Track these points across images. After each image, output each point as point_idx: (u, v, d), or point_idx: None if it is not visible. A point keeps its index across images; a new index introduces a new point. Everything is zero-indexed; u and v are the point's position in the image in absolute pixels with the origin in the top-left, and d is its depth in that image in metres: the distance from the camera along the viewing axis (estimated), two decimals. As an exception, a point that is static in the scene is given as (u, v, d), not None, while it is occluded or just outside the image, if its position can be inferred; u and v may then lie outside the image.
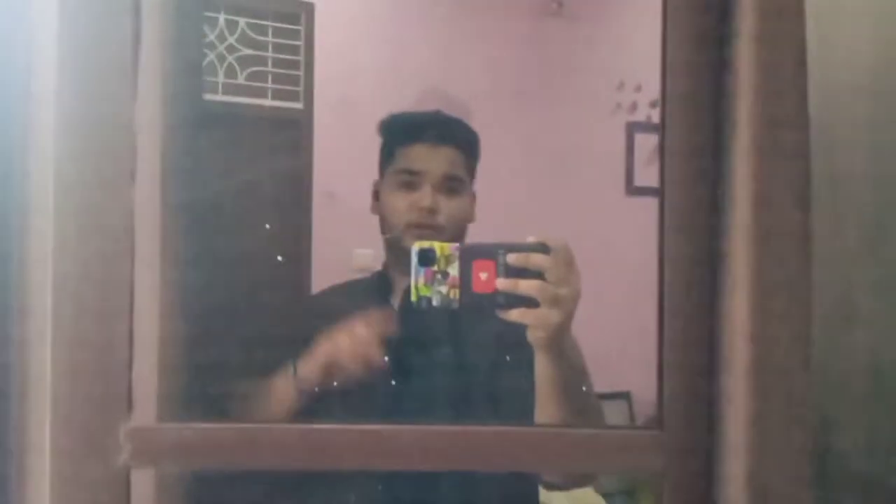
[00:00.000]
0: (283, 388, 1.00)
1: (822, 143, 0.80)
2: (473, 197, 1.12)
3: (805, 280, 0.70)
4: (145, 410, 0.60)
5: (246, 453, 0.64)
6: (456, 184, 1.07)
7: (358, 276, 1.25)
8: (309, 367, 0.99)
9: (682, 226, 0.71)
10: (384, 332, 0.98)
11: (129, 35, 0.60)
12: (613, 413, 2.63)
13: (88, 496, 0.61)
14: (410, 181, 1.06)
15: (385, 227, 1.09)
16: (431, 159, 1.06)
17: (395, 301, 1.09)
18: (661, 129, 0.78)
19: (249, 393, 1.03)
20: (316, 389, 0.99)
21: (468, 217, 1.09)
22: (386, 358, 0.98)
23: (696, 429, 0.68)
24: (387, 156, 1.10)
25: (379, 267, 1.16)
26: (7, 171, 0.62)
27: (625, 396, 2.73)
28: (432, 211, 1.05)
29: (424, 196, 1.04)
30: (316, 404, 1.00)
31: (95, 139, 0.59)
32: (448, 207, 1.04)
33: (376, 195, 1.11)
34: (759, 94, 0.71)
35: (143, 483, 0.63)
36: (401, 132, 1.10)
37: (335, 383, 0.98)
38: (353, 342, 0.97)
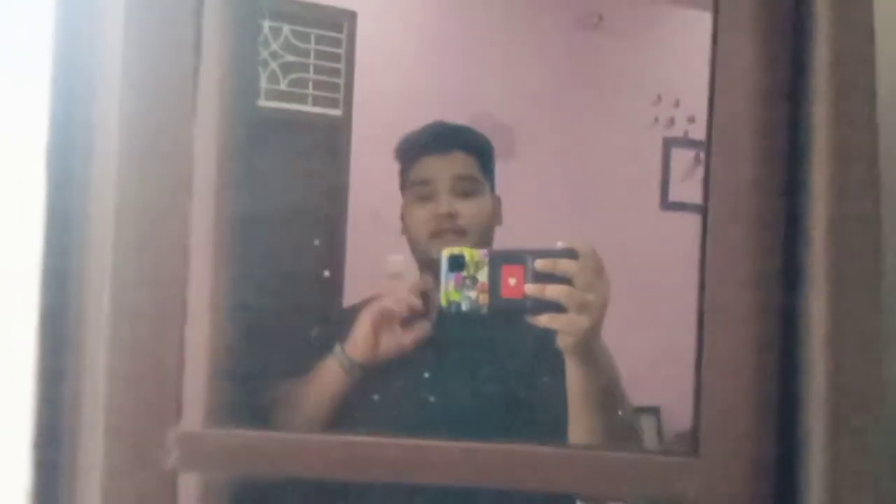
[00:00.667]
0: (331, 373, 1.02)
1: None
2: (497, 200, 1.13)
3: (877, 305, 0.68)
4: (193, 416, 0.62)
5: (290, 462, 0.66)
6: (470, 184, 1.08)
7: (390, 282, 1.27)
8: (355, 340, 1.00)
9: (724, 245, 0.71)
10: (424, 289, 1.00)
11: (190, 58, 0.62)
12: (643, 428, 2.61)
13: (136, 499, 0.63)
14: (425, 192, 1.07)
15: (412, 244, 1.10)
16: (439, 166, 1.08)
17: (431, 316, 1.10)
18: (706, 146, 0.78)
19: (294, 390, 1.04)
20: (361, 372, 1.00)
21: (491, 219, 1.09)
22: (429, 318, 0.99)
23: (732, 455, 0.68)
24: (404, 176, 1.12)
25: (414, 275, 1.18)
26: (68, 180, 0.65)
27: (654, 411, 2.71)
28: (451, 215, 1.06)
29: (440, 202, 1.06)
30: (358, 412, 1.01)
31: (155, 155, 0.61)
32: (466, 209, 1.05)
33: (402, 216, 1.13)
34: (829, 95, 0.70)
35: (189, 488, 0.64)
36: (409, 151, 1.12)
37: (383, 353, 1.00)
38: (394, 298, 0.99)
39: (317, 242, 1.71)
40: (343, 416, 1.02)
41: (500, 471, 0.66)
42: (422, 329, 1.00)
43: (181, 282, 0.60)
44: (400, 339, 1.00)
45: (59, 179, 0.62)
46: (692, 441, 0.68)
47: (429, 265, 1.00)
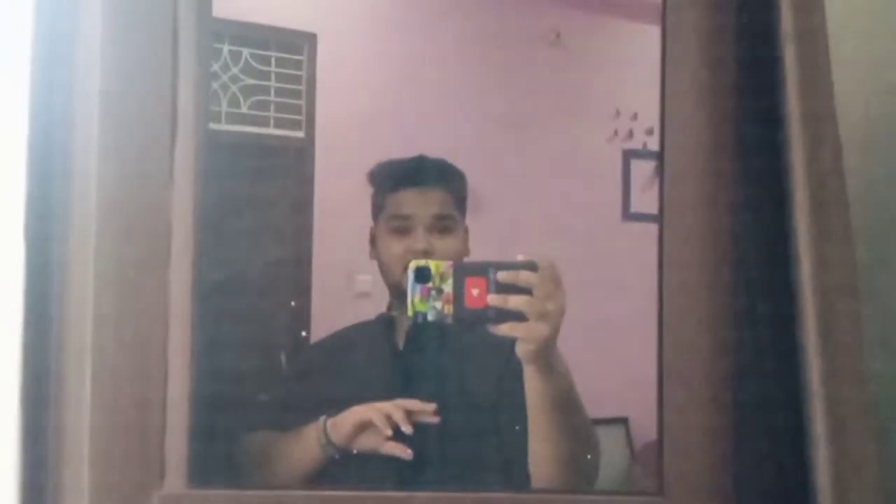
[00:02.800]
0: (308, 442, 1.03)
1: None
2: (466, 231, 1.16)
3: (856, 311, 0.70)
4: (176, 475, 0.62)
5: None
6: (447, 223, 1.12)
7: (358, 301, 1.28)
8: (340, 425, 1.02)
9: (679, 256, 0.73)
10: (415, 417, 1.02)
11: (167, 122, 0.62)
12: (611, 439, 2.63)
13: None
14: (402, 226, 1.11)
15: (384, 271, 1.13)
16: (420, 203, 1.11)
17: (400, 342, 1.12)
18: (660, 154, 0.81)
19: (272, 450, 1.05)
20: (338, 456, 1.02)
21: (462, 252, 1.13)
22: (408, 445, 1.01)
23: (699, 493, 0.69)
24: (378, 204, 1.15)
25: (381, 304, 1.19)
26: (46, 237, 0.64)
27: (622, 422, 2.73)
28: (427, 253, 1.09)
29: (417, 239, 1.10)
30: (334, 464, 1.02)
31: (134, 220, 0.62)
32: (442, 246, 1.09)
33: (373, 241, 1.16)
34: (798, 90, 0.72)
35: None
36: (388, 180, 1.15)
37: (359, 447, 1.01)
38: (388, 414, 1.00)
39: (293, 303, 1.72)
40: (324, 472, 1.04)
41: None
42: (403, 451, 1.03)
43: (162, 341, 0.60)
44: (379, 445, 1.02)
45: (38, 244, 0.62)
46: (657, 481, 0.69)
47: (399, 294, 1.03)
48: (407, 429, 1.03)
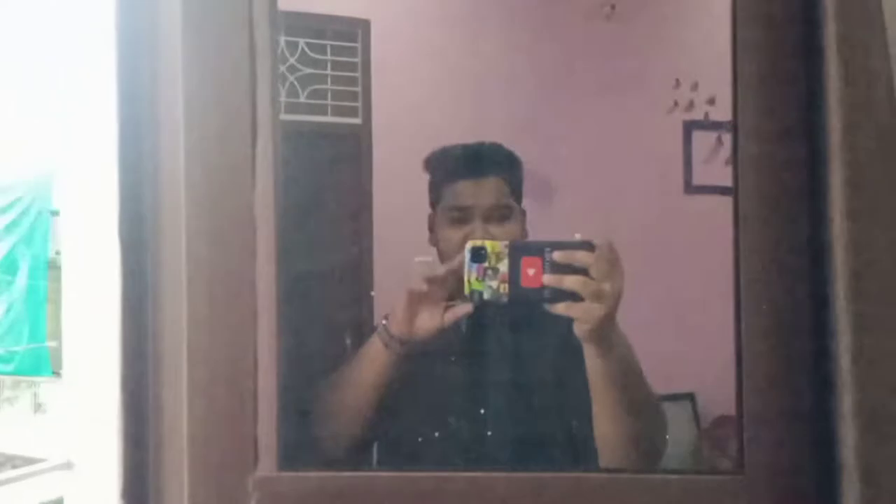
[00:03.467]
0: (373, 349, 1.06)
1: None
2: (524, 214, 1.17)
3: None
4: (268, 459, 0.66)
5: (360, 498, 0.70)
6: (505, 211, 1.13)
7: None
8: (395, 314, 1.04)
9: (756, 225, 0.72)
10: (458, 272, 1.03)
11: (248, 120, 0.65)
12: (678, 415, 2.61)
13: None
14: (460, 216, 1.13)
15: (443, 259, 1.15)
16: (477, 194, 1.12)
17: (464, 326, 1.14)
18: (733, 130, 0.79)
19: (342, 378, 1.08)
20: (404, 348, 1.03)
21: (521, 237, 1.14)
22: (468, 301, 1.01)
23: (779, 472, 0.69)
24: (435, 193, 1.17)
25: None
26: (140, 241, 0.68)
27: (689, 397, 2.70)
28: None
29: (476, 230, 1.11)
30: (405, 424, 1.04)
31: (222, 220, 0.65)
32: (500, 234, 1.10)
33: (431, 227, 1.18)
34: (842, 78, 0.70)
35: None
36: (444, 170, 1.17)
37: (421, 330, 1.03)
38: (433, 280, 1.01)
39: (373, 293, 1.75)
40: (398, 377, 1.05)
41: (557, 499, 0.69)
42: (462, 308, 1.04)
43: (252, 339, 0.63)
44: (438, 317, 1.04)
45: (132, 248, 0.66)
46: (737, 459, 0.69)
47: (459, 280, 1.04)
48: (440, 276, 1.03)
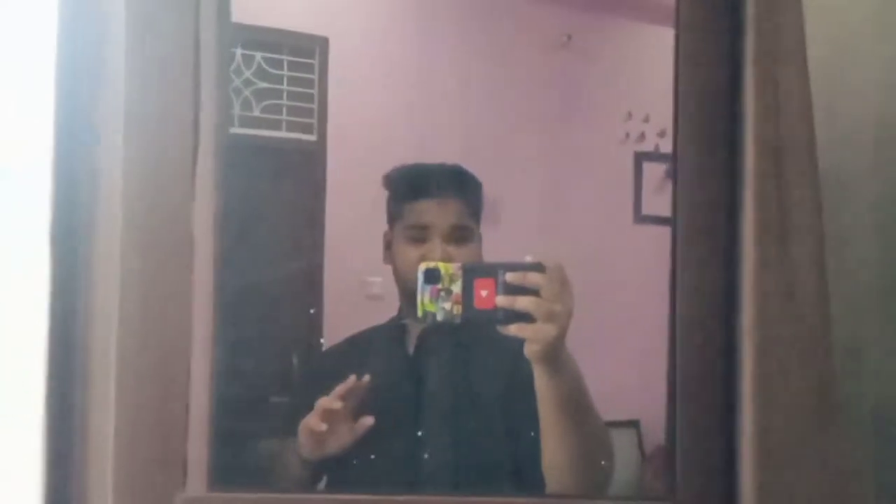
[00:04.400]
0: (294, 463, 1.05)
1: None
2: (480, 238, 1.17)
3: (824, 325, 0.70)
4: (198, 478, 0.63)
5: None
6: (464, 233, 1.13)
7: (369, 303, 1.28)
8: (305, 448, 1.03)
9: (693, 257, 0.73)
10: (354, 402, 1.02)
11: (190, 130, 0.63)
12: (623, 442, 2.63)
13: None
14: (419, 235, 1.12)
15: (398, 277, 1.13)
16: (438, 213, 1.12)
17: (411, 347, 1.13)
18: (672, 162, 0.81)
19: (278, 463, 1.06)
20: (319, 469, 1.02)
21: (477, 260, 1.13)
22: (364, 422, 1.00)
23: (709, 498, 0.69)
24: (395, 210, 1.16)
25: (393, 307, 1.19)
26: (72, 245, 0.65)
27: (634, 425, 2.73)
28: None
29: (434, 249, 1.10)
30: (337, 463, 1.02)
31: (159, 227, 0.62)
32: (459, 256, 1.09)
33: (388, 245, 1.16)
34: (763, 117, 0.73)
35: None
36: (405, 188, 1.16)
37: (329, 451, 1.02)
38: (322, 416, 1.01)
39: (312, 310, 1.73)
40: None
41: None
42: (367, 421, 1.03)
43: (186, 343, 0.61)
44: (346, 435, 1.02)
45: (64, 251, 0.63)
46: (670, 485, 0.69)
47: (413, 300, 1.01)
48: (348, 433, 1.03)
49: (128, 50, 0.65)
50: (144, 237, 0.66)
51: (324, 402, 1.03)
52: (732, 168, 0.76)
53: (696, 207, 0.75)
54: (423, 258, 1.09)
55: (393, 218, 1.18)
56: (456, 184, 1.18)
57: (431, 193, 1.15)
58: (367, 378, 1.07)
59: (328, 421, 1.02)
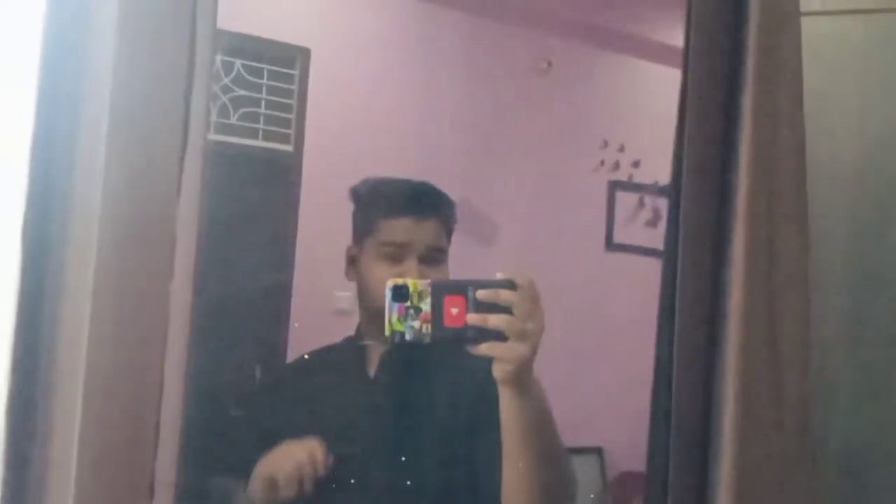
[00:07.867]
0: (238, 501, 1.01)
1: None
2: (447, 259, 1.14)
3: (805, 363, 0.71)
4: (165, 497, 0.59)
5: None
6: (439, 254, 1.09)
7: (336, 318, 1.26)
8: (254, 486, 1.00)
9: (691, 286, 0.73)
10: (316, 462, 0.99)
11: (178, 134, 0.61)
12: (585, 469, 2.63)
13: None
14: (395, 253, 1.07)
15: (366, 295, 1.09)
16: (416, 232, 1.07)
17: (372, 370, 1.10)
18: (672, 193, 0.80)
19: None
20: None
21: None
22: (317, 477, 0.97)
23: None
24: (366, 225, 1.10)
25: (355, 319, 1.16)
26: (45, 244, 0.61)
27: (597, 452, 2.73)
28: None
29: (411, 269, 1.05)
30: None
31: (139, 231, 0.59)
32: (433, 277, 1.04)
33: (351, 261, 1.12)
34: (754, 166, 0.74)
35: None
36: (381, 203, 1.11)
37: (290, 498, 0.99)
38: (288, 467, 0.98)
39: (296, 324, 1.71)
40: None
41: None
42: (318, 471, 0.99)
43: (159, 363, 0.58)
44: (296, 489, 0.99)
45: (35, 250, 0.60)
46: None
47: (380, 319, 0.96)
48: (310, 485, 1.00)
49: (117, 49, 0.63)
50: (125, 234, 0.63)
51: (291, 473, 1.00)
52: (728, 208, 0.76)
53: (691, 242, 0.75)
54: (397, 277, 1.05)
55: (363, 233, 1.12)
56: (435, 203, 1.14)
57: (410, 211, 1.10)
58: (331, 460, 1.03)
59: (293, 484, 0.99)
